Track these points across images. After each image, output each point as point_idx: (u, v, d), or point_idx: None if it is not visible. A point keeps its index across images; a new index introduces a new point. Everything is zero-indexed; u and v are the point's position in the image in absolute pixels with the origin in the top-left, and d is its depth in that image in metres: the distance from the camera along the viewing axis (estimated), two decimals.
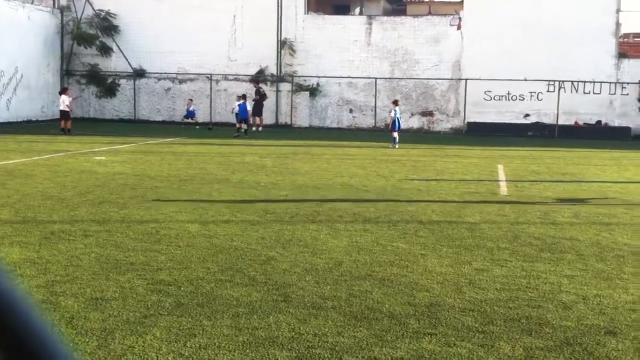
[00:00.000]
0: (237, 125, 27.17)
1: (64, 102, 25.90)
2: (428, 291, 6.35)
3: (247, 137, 25.75)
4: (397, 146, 22.62)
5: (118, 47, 34.58)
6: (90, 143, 21.64)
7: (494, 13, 30.61)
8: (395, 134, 22.98)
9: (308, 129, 32.50)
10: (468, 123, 31.52)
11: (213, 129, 29.52)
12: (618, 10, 30.27)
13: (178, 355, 4.71)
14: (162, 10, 33.38)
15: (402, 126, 31.78)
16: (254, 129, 29.31)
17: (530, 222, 9.98)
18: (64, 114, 25.69)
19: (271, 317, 5.51)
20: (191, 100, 32.74)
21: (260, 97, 30.80)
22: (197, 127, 30.70)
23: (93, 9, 34.29)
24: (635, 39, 35.93)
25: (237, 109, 27.57)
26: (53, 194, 11.33)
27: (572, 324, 5.52)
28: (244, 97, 27.85)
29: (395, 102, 24.18)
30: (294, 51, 33.09)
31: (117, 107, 35.08)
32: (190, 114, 32.18)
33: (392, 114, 23.25)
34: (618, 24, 30.48)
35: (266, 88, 33.26)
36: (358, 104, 32.93)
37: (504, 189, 13.52)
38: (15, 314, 0.66)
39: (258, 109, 30.44)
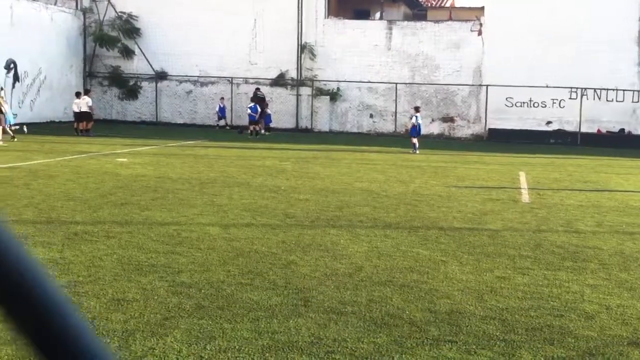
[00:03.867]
0: (252, 128, 28.68)
1: (88, 103, 26.21)
2: (449, 298, 6.31)
3: (257, 139, 26.54)
4: (417, 152, 22.57)
5: (140, 49, 34.84)
6: (112, 145, 21.81)
7: (515, 19, 30.45)
8: (415, 140, 22.94)
9: (328, 133, 32.50)
10: (489, 129, 31.37)
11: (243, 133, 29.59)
12: None
13: (198, 358, 4.72)
14: (183, 13, 33.60)
15: (423, 132, 31.80)
16: (264, 132, 29.50)
17: (552, 230, 9.90)
18: (87, 115, 25.97)
19: (291, 321, 5.51)
20: (222, 98, 32.95)
21: (259, 100, 30.23)
22: (228, 127, 31.61)
23: (115, 11, 34.59)
24: None
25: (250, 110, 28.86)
26: (76, 195, 11.43)
27: (594, 334, 5.46)
28: (252, 99, 29.64)
29: (417, 109, 24.14)
30: (314, 55, 33.14)
31: (139, 109, 35.34)
32: (221, 113, 32.30)
33: (414, 120, 23.21)
34: None
35: (287, 92, 33.38)
36: (378, 109, 32.90)
37: (525, 196, 13.42)
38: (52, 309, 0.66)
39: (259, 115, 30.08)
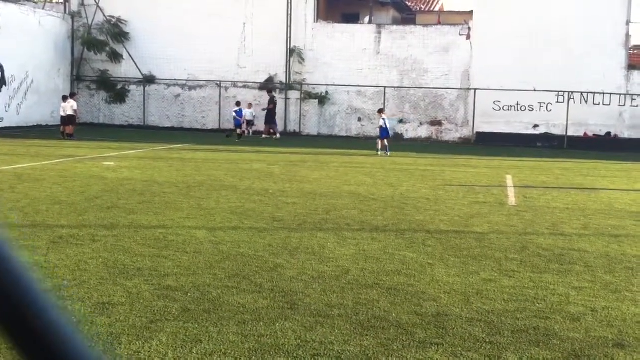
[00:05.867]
0: (239, 131, 28.75)
1: (73, 107, 26.14)
2: (435, 301, 6.32)
3: (240, 142, 26.88)
4: (384, 154, 22.81)
5: (128, 53, 34.74)
6: (99, 148, 21.72)
7: (503, 23, 30.60)
8: (385, 142, 23.21)
9: (317, 136, 32.52)
10: (477, 133, 31.48)
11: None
12: (628, 22, 30.20)
13: None
14: (172, 17, 33.54)
15: (411, 135, 31.97)
16: (264, 136, 29.75)
17: (538, 232, 9.94)
18: (72, 119, 25.96)
19: (277, 324, 5.50)
20: (251, 104, 32.06)
21: (273, 105, 31.17)
22: (227, 136, 29.52)
23: (104, 15, 34.48)
24: None
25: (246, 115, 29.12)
26: (62, 199, 11.37)
27: (580, 336, 5.48)
28: (238, 103, 29.85)
29: (381, 110, 24.74)
30: (303, 59, 33.16)
31: (126, 113, 35.23)
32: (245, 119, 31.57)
33: (381, 122, 23.51)
34: (628, 36, 30.41)
35: (275, 96, 33.43)
36: (367, 113, 32.94)
37: (512, 199, 13.47)
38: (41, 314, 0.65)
39: (270, 117, 30.90)
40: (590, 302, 6.46)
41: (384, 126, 23.30)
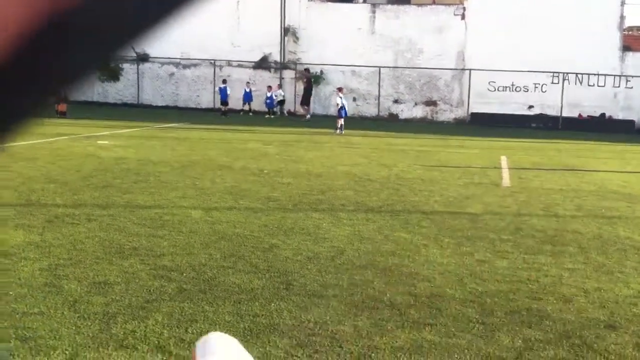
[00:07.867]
0: (223, 108, 29.96)
1: None
2: (429, 281, 6.37)
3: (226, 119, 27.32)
4: (342, 132, 22.91)
5: None
6: (93, 127, 21.65)
7: (498, 3, 30.49)
8: (341, 121, 23.22)
9: (311, 116, 32.46)
10: (472, 113, 31.49)
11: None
12: (623, 3, 30.15)
13: (179, 341, 4.74)
14: None
15: (406, 115, 31.95)
16: (308, 117, 29.94)
17: (532, 214, 9.99)
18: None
19: (272, 304, 5.54)
20: (248, 82, 32.17)
21: (309, 84, 31.41)
22: (250, 113, 31.37)
23: None
24: None
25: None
26: (56, 178, 11.35)
27: (572, 317, 5.54)
28: (224, 81, 30.91)
29: (340, 89, 24.93)
30: (297, 38, 33.01)
31: (120, 91, 35.08)
32: (246, 98, 31.75)
33: (338, 101, 23.61)
34: (623, 17, 30.37)
35: (269, 75, 33.31)
36: (361, 93, 32.89)
37: (506, 180, 13.52)
38: None
39: (306, 98, 31.07)
40: (583, 283, 6.52)
41: (340, 104, 23.34)
